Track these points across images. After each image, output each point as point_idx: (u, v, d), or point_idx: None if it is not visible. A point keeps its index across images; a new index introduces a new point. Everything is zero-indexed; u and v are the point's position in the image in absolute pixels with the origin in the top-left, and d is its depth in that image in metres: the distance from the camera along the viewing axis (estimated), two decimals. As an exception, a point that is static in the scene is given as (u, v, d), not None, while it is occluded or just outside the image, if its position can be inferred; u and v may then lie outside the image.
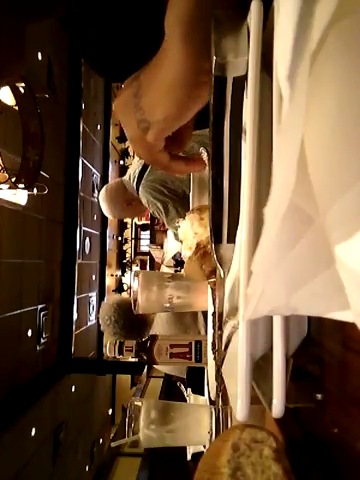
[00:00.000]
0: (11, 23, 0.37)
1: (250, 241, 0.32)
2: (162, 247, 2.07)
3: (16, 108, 3.38)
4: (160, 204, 1.55)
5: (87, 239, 6.09)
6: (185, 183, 1.47)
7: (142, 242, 10.20)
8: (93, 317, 6.55)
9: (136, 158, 1.71)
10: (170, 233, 2.33)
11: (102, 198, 1.73)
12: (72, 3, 0.50)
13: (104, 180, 6.89)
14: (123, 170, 8.48)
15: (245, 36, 0.36)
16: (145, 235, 9.83)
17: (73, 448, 5.25)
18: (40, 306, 4.43)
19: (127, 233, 9.81)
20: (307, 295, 0.25)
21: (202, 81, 0.42)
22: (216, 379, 0.76)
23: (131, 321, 1.45)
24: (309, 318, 0.39)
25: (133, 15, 0.62)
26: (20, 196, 3.61)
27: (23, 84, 3.27)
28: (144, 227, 9.42)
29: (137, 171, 1.59)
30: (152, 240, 9.15)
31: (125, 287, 9.02)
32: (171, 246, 2.19)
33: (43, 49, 4.20)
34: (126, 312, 1.38)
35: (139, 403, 0.85)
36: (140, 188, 1.58)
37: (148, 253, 9.02)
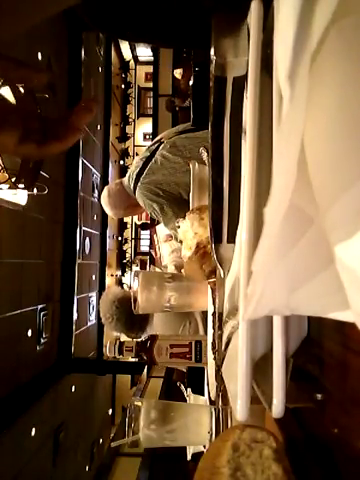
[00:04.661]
0: None
1: (250, 241, 0.32)
2: (172, 238, 2.02)
3: (16, 108, 3.37)
4: (156, 205, 1.56)
5: (87, 239, 6.09)
6: (182, 186, 1.48)
7: (142, 242, 10.20)
8: (93, 317, 6.54)
9: (136, 158, 1.71)
10: (162, 230, 2.32)
11: (104, 202, 1.75)
12: None
13: (104, 180, 6.89)
14: (123, 170, 8.48)
15: (245, 36, 0.36)
16: (145, 235, 9.82)
17: (73, 448, 5.25)
18: (40, 306, 4.43)
19: (127, 233, 9.81)
20: (307, 295, 0.25)
21: None
22: (216, 379, 0.76)
23: (132, 318, 1.45)
24: (309, 318, 0.39)
25: None
26: (20, 196, 3.61)
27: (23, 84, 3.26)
28: (144, 226, 9.40)
29: (134, 173, 1.60)
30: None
31: (125, 287, 9.03)
32: (165, 250, 2.18)
33: (43, 49, 4.20)
34: (127, 309, 1.38)
35: (139, 403, 0.85)
36: (137, 190, 1.59)
37: (148, 253, 9.01)
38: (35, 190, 3.82)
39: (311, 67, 0.22)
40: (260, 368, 0.37)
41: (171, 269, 1.67)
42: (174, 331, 1.53)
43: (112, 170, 7.78)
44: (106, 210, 1.79)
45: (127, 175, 1.68)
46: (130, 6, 0.69)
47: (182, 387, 1.15)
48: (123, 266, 9.41)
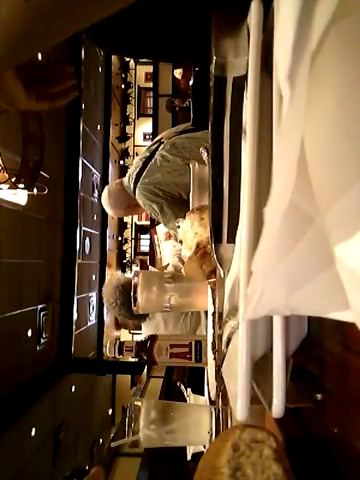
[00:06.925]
0: None
1: (250, 241, 0.32)
2: (171, 236, 2.03)
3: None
4: (156, 205, 1.56)
5: (87, 239, 6.09)
6: (181, 186, 1.48)
7: (142, 242, 10.20)
8: (93, 317, 6.54)
9: (136, 159, 1.71)
10: (162, 229, 2.32)
11: (104, 202, 1.75)
12: None
13: (104, 180, 6.89)
14: (123, 170, 8.48)
15: (245, 36, 0.36)
16: (145, 235, 9.84)
17: (73, 448, 5.25)
18: (40, 306, 4.43)
19: (127, 233, 9.81)
20: (307, 295, 0.25)
21: None
22: (216, 379, 0.76)
23: None
24: (309, 318, 0.39)
25: None
26: (20, 196, 3.61)
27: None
28: (143, 230, 9.43)
29: (134, 173, 1.60)
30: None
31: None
32: (167, 248, 2.19)
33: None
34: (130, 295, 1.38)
35: (139, 403, 0.85)
36: (136, 190, 1.59)
37: (148, 253, 9.02)
38: (35, 190, 3.82)
39: (311, 67, 0.22)
40: (260, 368, 0.37)
41: (175, 261, 1.68)
42: (175, 320, 1.55)
43: (112, 170, 7.78)
44: (106, 210, 1.80)
45: (127, 175, 1.68)
46: (132, 27, 0.70)
47: (182, 387, 1.15)
48: (123, 266, 9.41)
